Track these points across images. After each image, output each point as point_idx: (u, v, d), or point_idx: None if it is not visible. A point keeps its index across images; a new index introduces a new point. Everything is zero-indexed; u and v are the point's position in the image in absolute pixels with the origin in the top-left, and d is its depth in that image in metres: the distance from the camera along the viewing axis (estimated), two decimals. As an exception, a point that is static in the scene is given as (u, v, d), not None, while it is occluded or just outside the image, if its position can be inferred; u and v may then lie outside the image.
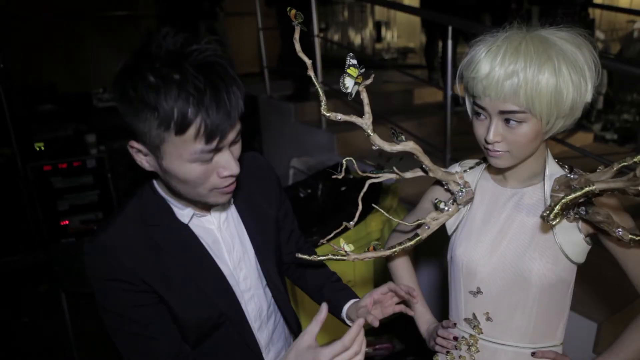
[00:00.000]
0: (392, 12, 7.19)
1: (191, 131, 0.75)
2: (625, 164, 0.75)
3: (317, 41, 3.22)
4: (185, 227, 0.93)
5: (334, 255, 0.95)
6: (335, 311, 1.13)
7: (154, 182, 0.94)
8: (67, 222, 3.52)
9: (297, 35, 0.80)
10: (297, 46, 0.80)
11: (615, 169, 0.76)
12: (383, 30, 7.44)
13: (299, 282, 1.24)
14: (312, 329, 0.80)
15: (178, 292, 0.90)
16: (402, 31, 7.67)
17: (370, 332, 2.21)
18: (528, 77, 0.78)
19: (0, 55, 3.43)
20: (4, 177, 3.42)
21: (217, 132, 0.76)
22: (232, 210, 1.02)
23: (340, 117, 0.85)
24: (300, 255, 0.96)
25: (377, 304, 1.06)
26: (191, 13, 4.63)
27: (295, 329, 1.17)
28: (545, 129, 0.86)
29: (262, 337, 1.07)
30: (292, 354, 0.80)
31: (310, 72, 0.82)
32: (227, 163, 0.82)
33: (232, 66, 0.80)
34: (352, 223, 0.94)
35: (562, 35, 0.82)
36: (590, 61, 0.82)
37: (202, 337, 0.96)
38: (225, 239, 0.99)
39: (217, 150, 0.80)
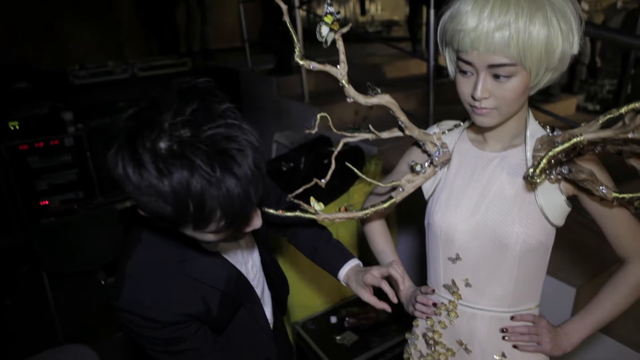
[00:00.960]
0: (375, -16, 7.06)
1: (209, 227, 0.70)
2: (611, 116, 0.72)
3: (299, 13, 3.14)
4: (216, 254, 0.92)
5: (303, 213, 0.93)
6: (332, 272, 1.12)
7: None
8: (46, 202, 3.46)
9: None
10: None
11: (600, 121, 0.73)
12: (367, 3, 7.32)
13: (292, 242, 1.23)
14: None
15: (217, 313, 0.91)
16: (386, 4, 7.55)
17: (354, 302, 2.23)
18: (520, 28, 0.75)
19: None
20: (-23, 158, 3.32)
21: (235, 223, 0.71)
22: None
23: (313, 65, 0.81)
24: (266, 209, 0.93)
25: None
26: None
27: (280, 288, 1.18)
28: (533, 83, 0.83)
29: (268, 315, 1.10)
30: None
31: (286, 18, 0.78)
32: (247, 229, 0.79)
33: (248, 134, 0.70)
34: (323, 180, 0.91)
35: None
36: (575, 12, 0.80)
37: (222, 329, 0.99)
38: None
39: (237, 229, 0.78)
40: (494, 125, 0.90)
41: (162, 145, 0.63)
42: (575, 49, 0.81)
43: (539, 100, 3.48)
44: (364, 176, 0.95)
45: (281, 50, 3.66)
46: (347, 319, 2.09)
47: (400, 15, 7.42)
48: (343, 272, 1.09)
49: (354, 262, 1.10)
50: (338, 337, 2.02)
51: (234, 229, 0.75)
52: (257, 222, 0.79)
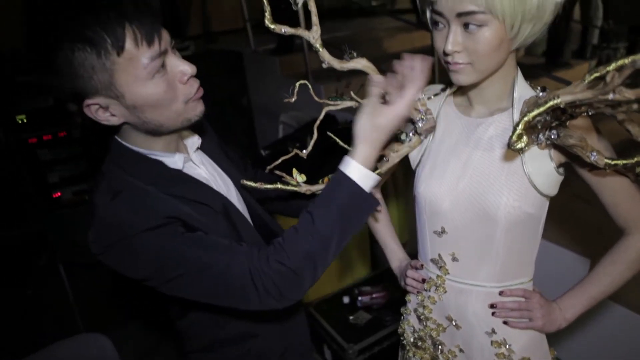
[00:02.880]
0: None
1: (129, 44, 0.73)
2: (598, 74, 0.64)
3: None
4: (182, 172, 0.92)
5: (285, 185, 0.91)
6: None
7: (120, 141, 0.89)
8: (59, 194, 3.49)
9: None
10: None
11: (587, 80, 0.66)
12: (370, -26, 7.13)
13: (281, 210, 1.21)
14: (374, 97, 0.80)
15: (202, 221, 0.87)
16: (389, -25, 7.36)
17: (366, 282, 2.23)
18: None
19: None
20: (-13, 152, 3.36)
21: (152, 32, 0.75)
22: (200, 152, 1.03)
23: (285, 29, 0.79)
24: (245, 182, 0.92)
25: None
26: None
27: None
28: (511, 35, 0.78)
29: None
30: (367, 127, 0.79)
31: None
32: (181, 65, 0.80)
33: None
34: (305, 152, 0.90)
35: None
36: None
37: None
38: (212, 178, 0.99)
39: (164, 54, 0.78)
40: (473, 85, 0.86)
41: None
42: None
43: (549, 67, 3.38)
44: (343, 144, 0.93)
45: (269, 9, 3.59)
46: (359, 298, 2.10)
47: (405, -15, 7.23)
48: None
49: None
50: (351, 317, 2.03)
51: (160, 52, 0.77)
52: (165, 35, 0.79)
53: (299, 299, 0.86)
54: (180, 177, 0.91)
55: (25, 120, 3.40)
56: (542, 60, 3.99)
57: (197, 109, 0.86)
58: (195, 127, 1.00)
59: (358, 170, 0.80)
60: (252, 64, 3.88)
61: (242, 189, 1.06)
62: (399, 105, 0.79)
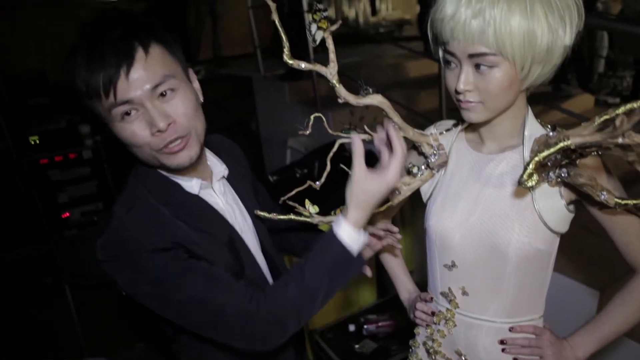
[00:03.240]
0: (386, -17, 7.02)
1: (92, 92, 0.78)
2: (608, 117, 0.65)
3: (307, 17, 3.14)
4: (197, 198, 0.94)
5: (297, 216, 0.92)
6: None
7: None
8: (67, 214, 3.53)
9: None
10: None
11: (597, 123, 0.67)
12: (377, 3, 7.28)
13: (285, 247, 1.23)
14: (358, 163, 0.81)
15: (208, 252, 0.88)
16: (397, 3, 7.50)
17: (372, 310, 2.21)
18: (495, 15, 0.73)
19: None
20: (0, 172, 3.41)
21: (107, 82, 0.77)
22: (227, 184, 1.05)
23: (303, 65, 0.81)
24: (258, 212, 0.93)
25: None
26: None
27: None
28: (521, 76, 0.79)
29: None
30: (357, 191, 0.82)
31: (274, 16, 0.79)
32: (153, 118, 0.80)
33: (141, 19, 0.83)
34: (318, 183, 0.91)
35: None
36: (570, 1, 0.76)
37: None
38: (229, 211, 1.00)
39: (129, 102, 0.79)
40: (485, 122, 0.87)
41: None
42: (567, 40, 0.77)
43: (554, 97, 3.41)
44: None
45: (292, 55, 3.65)
46: (365, 326, 2.08)
47: (412, 13, 7.36)
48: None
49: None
50: (357, 346, 2.01)
51: (123, 101, 0.79)
52: (134, 86, 0.80)
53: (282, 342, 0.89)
54: (194, 202, 0.93)
55: (37, 142, 3.46)
56: (549, 88, 4.02)
57: (172, 160, 0.85)
58: (228, 159, 1.05)
59: (348, 232, 0.83)
60: (261, 89, 3.95)
61: (259, 228, 1.08)
62: (387, 175, 0.81)
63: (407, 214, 2.41)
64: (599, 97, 4.43)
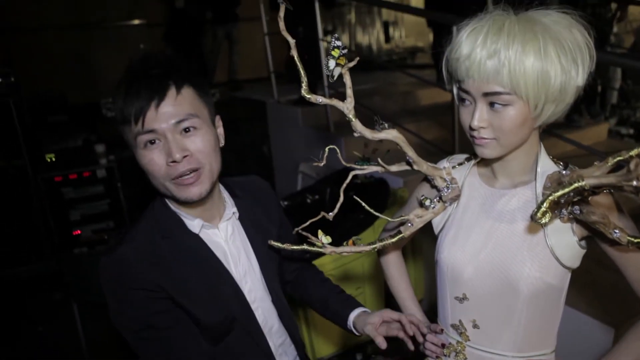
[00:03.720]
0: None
1: (125, 119, 0.88)
2: (621, 158, 0.66)
3: (322, 45, 3.20)
4: (196, 237, 0.99)
5: (310, 246, 0.93)
6: (341, 321, 1.14)
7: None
8: (79, 232, 3.56)
9: (281, 14, 0.79)
10: (281, 25, 0.80)
11: (610, 163, 0.68)
12: (391, 30, 7.39)
13: (303, 297, 1.24)
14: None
15: (193, 297, 0.94)
16: (410, 30, 7.61)
17: (379, 351, 2.18)
18: (510, 56, 0.75)
19: (10, 67, 3.47)
20: (15, 188, 3.46)
21: (138, 111, 0.86)
22: (238, 225, 1.08)
23: (321, 99, 0.83)
24: (272, 242, 0.95)
25: (384, 323, 1.07)
26: (213, 19, 4.71)
27: (299, 345, 1.18)
28: (534, 114, 0.81)
29: (271, 345, 1.08)
30: None
31: (294, 52, 0.81)
32: (171, 149, 0.87)
33: (183, 63, 0.94)
34: (331, 214, 0.91)
35: (550, 16, 0.79)
36: (582, 43, 0.78)
37: (216, 340, 0.99)
38: (232, 252, 1.03)
39: (153, 132, 0.87)
40: (498, 158, 0.89)
41: None
42: (580, 81, 0.79)
43: (567, 127, 3.40)
44: (373, 211, 0.95)
45: (306, 82, 3.71)
46: (373, 356, 2.04)
47: (425, 41, 7.46)
48: (351, 318, 1.11)
49: (360, 309, 1.13)
50: (364, 375, 1.98)
51: (148, 130, 0.87)
52: (162, 119, 0.88)
53: None
54: (192, 241, 0.98)
55: (53, 159, 3.52)
56: (561, 119, 4.02)
57: (180, 193, 0.91)
58: (248, 202, 1.10)
59: None
60: (274, 113, 4.00)
61: (267, 272, 1.09)
62: None
63: (417, 242, 2.40)
64: (612, 127, 4.41)
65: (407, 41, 7.61)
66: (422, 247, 2.40)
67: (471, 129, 0.84)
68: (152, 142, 0.88)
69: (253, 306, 1.04)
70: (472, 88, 0.81)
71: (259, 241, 1.08)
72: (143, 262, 0.90)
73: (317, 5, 3.13)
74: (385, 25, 7.26)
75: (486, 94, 0.80)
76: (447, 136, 2.91)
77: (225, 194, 1.08)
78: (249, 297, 1.04)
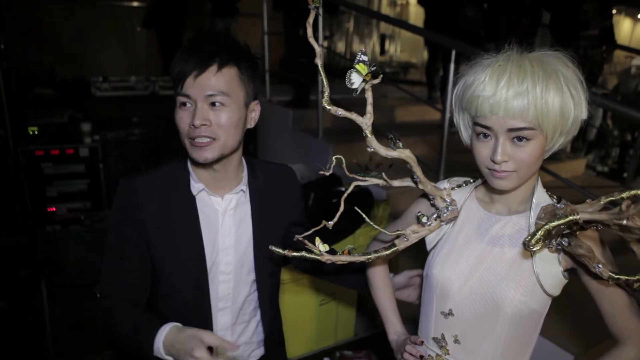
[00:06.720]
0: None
1: (173, 80, 1.03)
2: (612, 198, 0.74)
3: (320, 50, 3.23)
4: (191, 197, 1.11)
5: (308, 253, 0.95)
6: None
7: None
8: (54, 208, 3.49)
9: (310, 20, 0.80)
10: (309, 30, 0.80)
11: (602, 202, 0.76)
12: (387, 43, 7.49)
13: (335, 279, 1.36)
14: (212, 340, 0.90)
15: (160, 245, 1.09)
16: (405, 46, 7.72)
17: (349, 345, 2.21)
18: (537, 95, 0.80)
19: (1, 35, 3.40)
20: (-6, 159, 3.38)
21: (181, 75, 1.00)
22: (247, 204, 1.17)
23: (340, 112, 0.84)
24: (273, 248, 0.97)
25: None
26: (213, 11, 4.65)
27: (269, 330, 1.24)
28: (548, 146, 0.88)
29: (222, 319, 1.18)
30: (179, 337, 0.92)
31: (318, 60, 0.81)
32: (193, 114, 1.01)
33: (233, 42, 1.07)
34: (331, 222, 0.92)
35: (551, 56, 0.85)
36: (579, 77, 0.85)
37: (160, 286, 1.12)
38: (225, 224, 1.13)
39: (188, 97, 1.01)
40: (511, 189, 0.93)
41: None
42: (584, 114, 0.86)
43: (546, 160, 3.50)
44: (372, 223, 0.97)
45: (301, 84, 3.73)
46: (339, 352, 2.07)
47: (418, 58, 7.58)
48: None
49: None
50: (330, 380, 2.00)
51: (184, 93, 1.02)
52: (200, 88, 1.01)
53: None
54: (186, 199, 1.11)
55: (36, 132, 3.45)
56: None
57: (192, 152, 1.05)
58: (265, 186, 1.20)
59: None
60: (264, 112, 3.96)
61: (259, 256, 1.18)
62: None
63: (405, 254, 2.43)
64: (590, 163, 4.57)
65: (402, 56, 7.72)
66: (410, 260, 2.45)
67: (493, 162, 0.87)
68: (184, 104, 1.02)
69: (222, 277, 1.14)
70: (495, 124, 0.85)
71: (264, 225, 1.17)
72: (144, 198, 1.08)
73: (320, 10, 3.15)
74: (382, 38, 7.35)
75: (511, 130, 0.84)
76: (433, 155, 2.97)
77: (245, 172, 1.17)
78: (223, 268, 1.14)
